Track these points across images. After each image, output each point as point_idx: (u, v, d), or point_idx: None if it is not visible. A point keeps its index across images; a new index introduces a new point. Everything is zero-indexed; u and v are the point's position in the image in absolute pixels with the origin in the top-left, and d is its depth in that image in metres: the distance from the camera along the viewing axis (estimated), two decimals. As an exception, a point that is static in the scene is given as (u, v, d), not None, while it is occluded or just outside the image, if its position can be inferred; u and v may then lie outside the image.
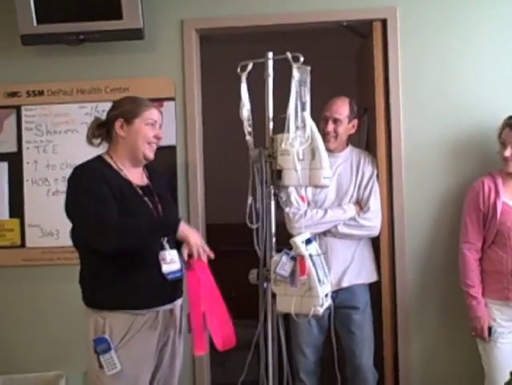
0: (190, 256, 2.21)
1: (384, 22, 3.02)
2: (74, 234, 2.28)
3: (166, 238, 2.27)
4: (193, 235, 2.22)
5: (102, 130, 2.34)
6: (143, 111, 2.30)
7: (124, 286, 2.20)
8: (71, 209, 2.23)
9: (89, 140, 2.35)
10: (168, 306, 2.30)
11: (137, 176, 2.34)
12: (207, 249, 2.24)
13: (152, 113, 2.33)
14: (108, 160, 2.30)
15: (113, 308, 2.19)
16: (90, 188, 2.17)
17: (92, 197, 2.15)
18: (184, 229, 2.21)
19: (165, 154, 2.96)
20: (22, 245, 3.15)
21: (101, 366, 2.15)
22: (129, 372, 2.18)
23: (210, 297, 2.21)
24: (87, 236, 2.18)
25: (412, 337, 3.02)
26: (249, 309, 3.07)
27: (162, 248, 2.26)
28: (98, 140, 2.35)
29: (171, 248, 2.28)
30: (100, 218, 2.12)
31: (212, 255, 2.25)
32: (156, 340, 2.27)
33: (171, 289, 2.28)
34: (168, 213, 2.33)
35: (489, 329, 2.64)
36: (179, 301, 2.37)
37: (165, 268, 2.24)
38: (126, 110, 2.30)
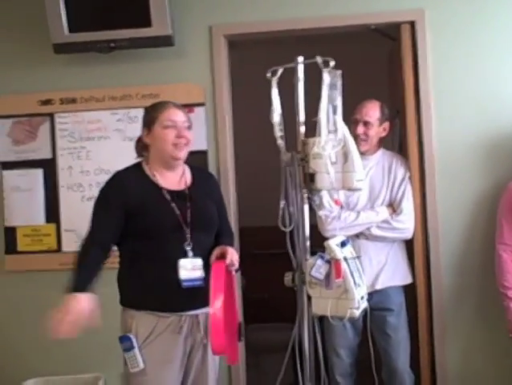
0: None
1: (412, 24, 3.01)
2: None
3: (191, 246, 2.29)
4: None
5: (141, 142, 2.41)
6: (158, 115, 2.31)
7: (149, 288, 2.25)
8: None
9: (139, 155, 2.43)
10: (191, 312, 2.31)
11: (172, 181, 2.37)
12: None
13: (169, 114, 2.31)
14: (144, 166, 2.36)
15: (139, 308, 2.26)
16: (102, 201, 2.32)
17: (97, 212, 2.32)
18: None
19: (197, 159, 2.98)
20: (59, 249, 3.21)
21: (126, 363, 2.24)
22: (153, 372, 2.23)
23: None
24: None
25: (448, 339, 3.00)
26: (282, 311, 3.08)
27: (185, 255, 2.27)
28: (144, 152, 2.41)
29: (195, 256, 2.29)
30: (87, 237, 2.31)
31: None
32: (182, 344, 2.29)
33: (194, 296, 2.28)
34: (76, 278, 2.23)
35: (528, 331, 2.61)
36: (206, 309, 2.32)
37: (183, 274, 2.25)
38: (147, 118, 2.36)
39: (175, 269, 2.25)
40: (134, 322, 2.25)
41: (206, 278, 2.25)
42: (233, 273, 2.33)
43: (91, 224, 2.32)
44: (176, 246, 2.27)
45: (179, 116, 2.33)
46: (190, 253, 2.28)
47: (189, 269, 2.26)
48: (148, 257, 2.26)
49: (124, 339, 2.24)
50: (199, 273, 2.28)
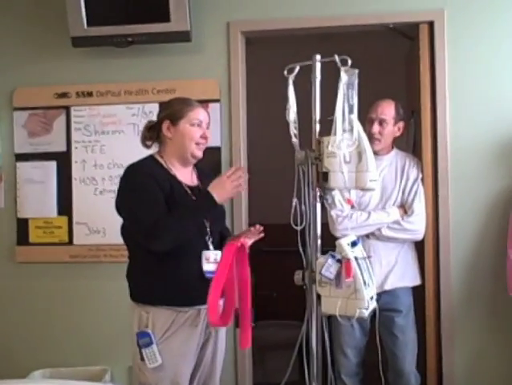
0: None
1: (431, 24, 3.00)
2: (124, 231, 2.33)
3: (211, 239, 2.31)
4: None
5: (152, 132, 2.38)
6: (187, 112, 2.31)
7: (168, 283, 2.24)
8: (122, 208, 2.29)
9: (143, 143, 2.40)
10: None
11: (187, 176, 2.38)
12: None
13: (197, 113, 2.33)
14: (159, 159, 2.34)
15: (156, 303, 2.23)
16: (141, 187, 2.21)
17: (143, 197, 2.19)
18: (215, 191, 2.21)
19: (210, 155, 2.96)
20: (70, 242, 3.23)
21: (142, 359, 2.21)
22: (169, 366, 2.22)
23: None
24: (138, 237, 2.21)
25: (456, 342, 2.99)
26: (290, 310, 3.08)
27: (207, 248, 2.30)
28: (150, 142, 2.39)
29: (215, 248, 2.32)
30: (150, 219, 2.15)
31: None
32: (198, 337, 2.30)
33: None
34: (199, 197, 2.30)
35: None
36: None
37: (206, 266, 2.27)
38: (172, 111, 2.34)
39: (197, 264, 2.26)
40: (150, 317, 2.23)
41: None
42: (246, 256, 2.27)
43: (141, 210, 2.18)
44: (200, 240, 2.29)
45: (205, 116, 2.36)
46: (211, 246, 2.31)
47: (212, 261, 2.28)
48: (172, 252, 2.20)
49: (142, 335, 2.21)
50: None
